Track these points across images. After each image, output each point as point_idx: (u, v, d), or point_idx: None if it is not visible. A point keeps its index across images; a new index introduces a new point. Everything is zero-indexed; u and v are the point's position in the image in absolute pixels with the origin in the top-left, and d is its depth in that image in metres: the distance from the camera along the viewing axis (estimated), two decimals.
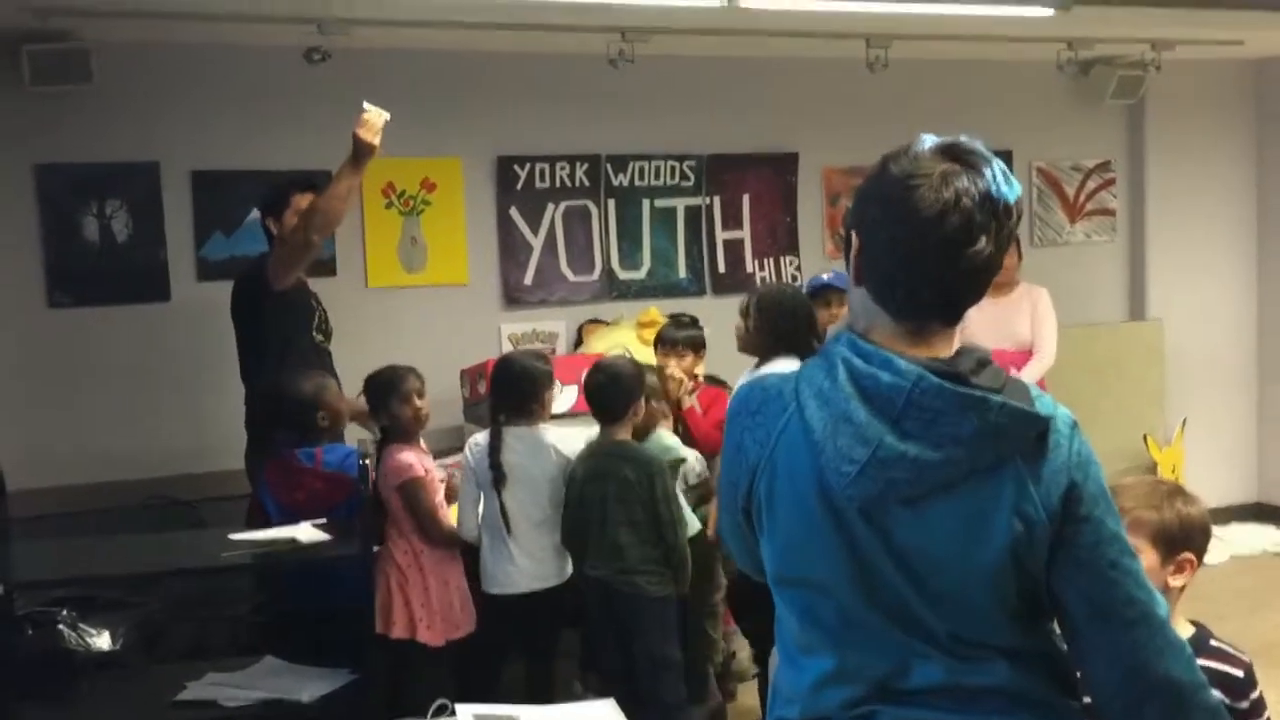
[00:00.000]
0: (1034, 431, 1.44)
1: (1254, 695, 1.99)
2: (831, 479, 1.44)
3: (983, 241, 1.45)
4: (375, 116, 3.95)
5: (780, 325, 3.76)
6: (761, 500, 1.52)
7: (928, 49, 5.53)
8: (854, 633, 1.47)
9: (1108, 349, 6.18)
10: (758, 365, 3.87)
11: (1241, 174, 6.67)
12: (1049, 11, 4.47)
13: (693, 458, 4.09)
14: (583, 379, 3.93)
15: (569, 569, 3.75)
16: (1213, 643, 2.04)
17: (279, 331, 4.15)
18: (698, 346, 4.42)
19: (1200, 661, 1.53)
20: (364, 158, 4.00)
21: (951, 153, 1.48)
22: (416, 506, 3.67)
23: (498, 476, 3.68)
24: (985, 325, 5.38)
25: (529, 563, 3.69)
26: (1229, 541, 6.28)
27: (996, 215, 1.46)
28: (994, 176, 1.47)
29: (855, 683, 1.47)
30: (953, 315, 1.50)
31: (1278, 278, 6.60)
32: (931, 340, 1.48)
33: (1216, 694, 1.51)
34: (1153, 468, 6.29)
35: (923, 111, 5.98)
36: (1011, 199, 1.47)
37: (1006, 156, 6.26)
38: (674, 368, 4.21)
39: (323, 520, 3.54)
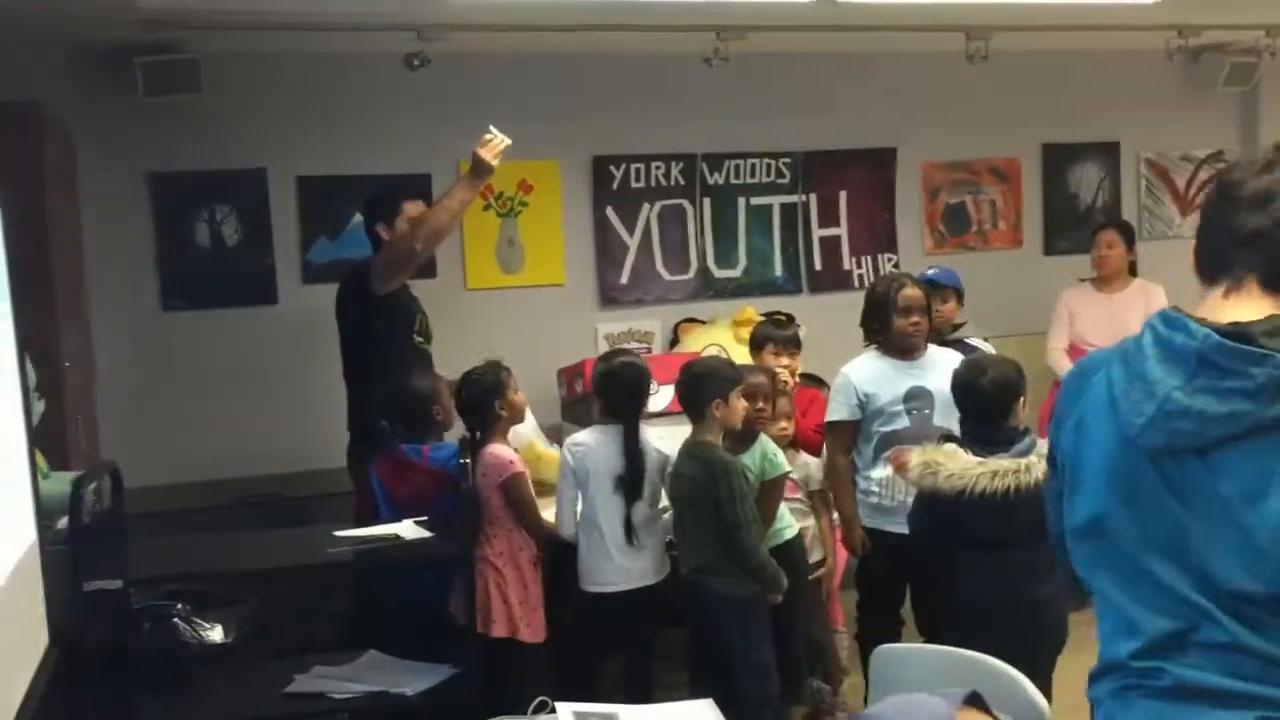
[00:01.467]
0: None
1: None
2: (1126, 431, 1.57)
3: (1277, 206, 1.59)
4: (498, 140, 4.08)
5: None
6: (1066, 455, 1.69)
7: (1029, 40, 5.41)
8: (1142, 585, 1.58)
9: None
10: (901, 355, 3.95)
11: None
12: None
13: (813, 465, 4.07)
14: None
15: (667, 567, 3.76)
16: None
17: (383, 333, 4.23)
18: (798, 345, 4.39)
19: None
20: (482, 177, 4.16)
21: (1276, 151, 1.67)
22: (521, 501, 3.71)
23: (632, 479, 3.68)
24: (1096, 321, 5.26)
25: (628, 561, 3.69)
26: None
27: None
28: None
29: (1142, 635, 1.58)
30: (1272, 277, 1.59)
31: None
32: (1242, 300, 1.59)
33: None
34: None
35: (1025, 104, 5.88)
36: None
37: (1113, 148, 6.15)
38: (780, 366, 4.19)
39: (424, 518, 3.61)
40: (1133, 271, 5.36)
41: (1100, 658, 1.67)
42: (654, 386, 5.04)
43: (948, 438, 3.44)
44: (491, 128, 4.09)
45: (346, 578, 3.78)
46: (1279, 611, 1.49)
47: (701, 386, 3.63)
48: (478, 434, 3.77)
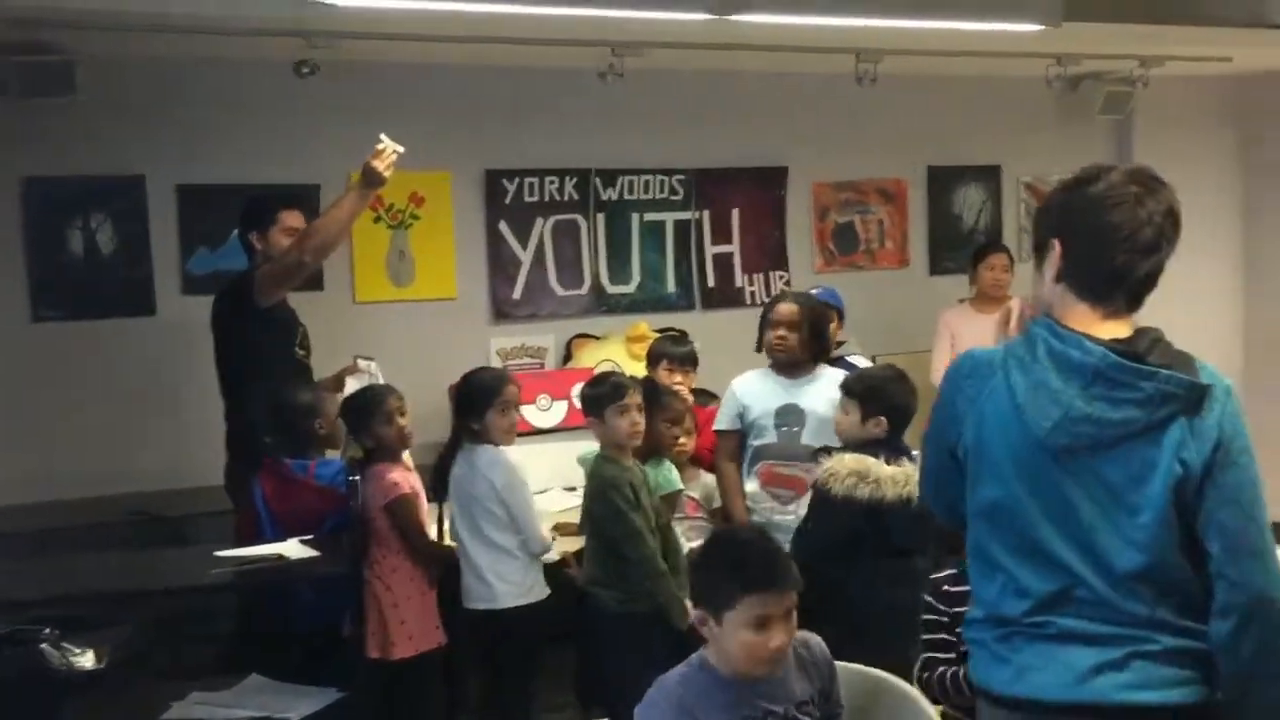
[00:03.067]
0: (1196, 396, 1.84)
1: None
2: (1033, 432, 1.86)
3: (1164, 248, 1.90)
4: (390, 149, 3.99)
5: (821, 335, 4.01)
6: (969, 447, 1.95)
7: (917, 64, 5.53)
8: (1035, 555, 1.88)
9: None
10: (785, 372, 3.96)
11: (1227, 191, 6.69)
12: (1038, 27, 4.46)
13: (713, 482, 4.09)
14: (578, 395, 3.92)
15: (545, 589, 3.69)
16: None
17: (264, 346, 4.13)
18: (695, 362, 4.40)
19: None
20: (373, 187, 4.07)
21: (1137, 179, 1.91)
22: (405, 524, 3.63)
23: (438, 492, 3.67)
24: (977, 341, 5.31)
25: (493, 579, 3.61)
26: None
27: (1175, 227, 1.91)
28: (1169, 197, 1.91)
29: (1032, 597, 1.89)
30: (1137, 302, 1.93)
31: (1263, 297, 6.61)
32: (1119, 321, 1.90)
33: None
34: None
35: (912, 127, 6.01)
36: (1177, 210, 1.92)
37: (994, 172, 6.31)
38: (675, 383, 4.19)
39: (310, 537, 3.51)
40: None
41: (983, 610, 1.97)
42: (544, 400, 5.02)
43: (825, 450, 3.52)
44: (383, 136, 4.01)
45: (228, 599, 3.66)
46: (1155, 581, 1.84)
47: (585, 404, 3.64)
48: (369, 451, 3.69)
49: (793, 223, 5.89)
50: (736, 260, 5.80)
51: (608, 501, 3.50)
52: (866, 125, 5.89)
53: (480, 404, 3.64)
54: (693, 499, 4.12)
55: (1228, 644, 1.83)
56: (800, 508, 3.77)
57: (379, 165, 3.98)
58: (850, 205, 6.02)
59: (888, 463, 3.32)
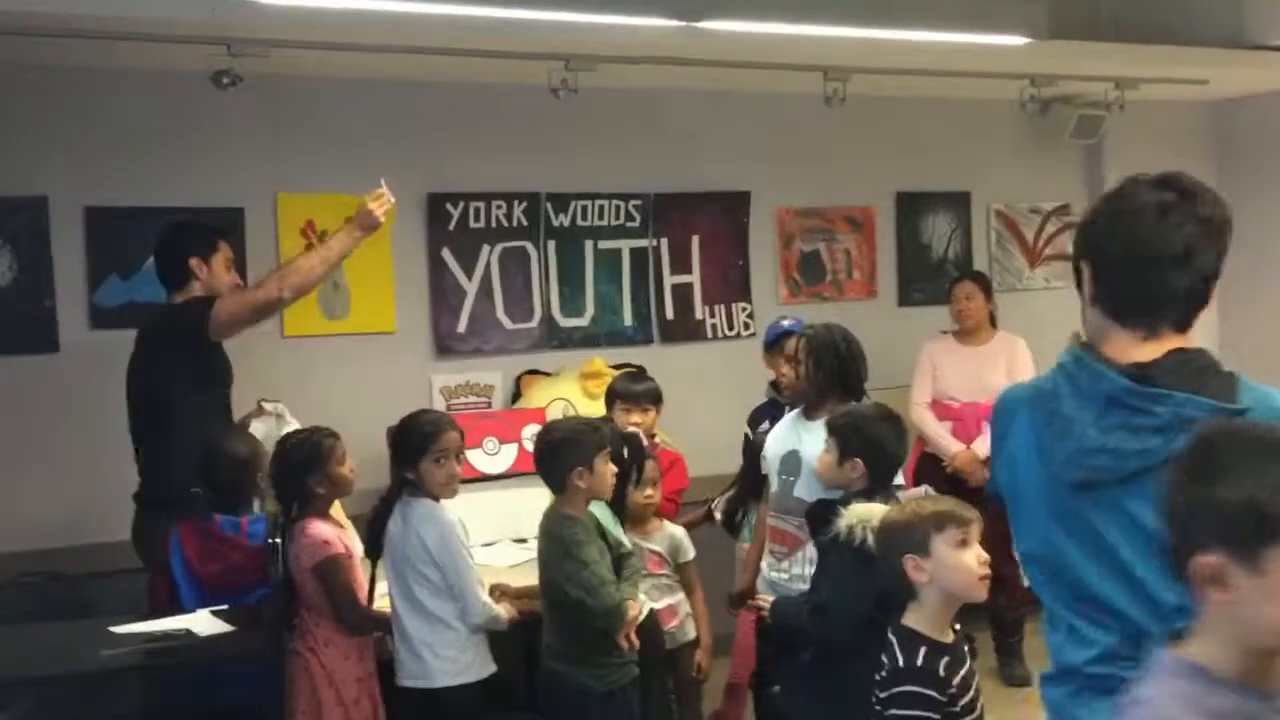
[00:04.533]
0: None
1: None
2: (1051, 468, 1.72)
3: (1202, 257, 1.70)
4: (388, 197, 3.87)
5: (834, 367, 3.51)
6: (1004, 486, 1.83)
7: (887, 84, 5.24)
8: (1087, 602, 1.71)
9: None
10: (806, 411, 3.54)
11: None
12: (1023, 40, 4.17)
13: (680, 535, 3.70)
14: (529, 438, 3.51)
15: (488, 664, 3.28)
16: None
17: (199, 389, 3.78)
18: (659, 400, 4.02)
19: None
20: (368, 232, 3.89)
21: (1172, 185, 1.71)
22: (335, 588, 3.20)
23: (373, 550, 3.28)
24: (959, 375, 5.07)
25: (427, 653, 3.20)
26: None
27: (1215, 233, 1.71)
28: (1212, 203, 1.72)
29: (1095, 646, 1.71)
30: (1185, 321, 1.74)
31: (1238, 325, 6.37)
32: (1161, 343, 1.71)
33: None
34: None
35: (880, 151, 5.72)
36: (1228, 214, 1.73)
37: (964, 198, 6.03)
38: (632, 424, 3.80)
39: (224, 607, 3.07)
40: (993, 323, 5.20)
41: (1054, 662, 1.80)
42: (491, 444, 4.60)
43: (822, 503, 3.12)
44: (383, 181, 3.88)
45: (131, 681, 3.19)
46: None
47: (562, 453, 3.21)
48: (294, 508, 3.25)
49: (756, 251, 5.55)
50: (697, 291, 5.43)
51: (570, 566, 3.09)
52: (833, 149, 5.59)
53: (414, 453, 3.24)
54: (655, 554, 3.73)
55: None
56: (794, 566, 3.40)
57: (376, 209, 3.81)
58: (816, 233, 5.69)
59: None
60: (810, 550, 3.38)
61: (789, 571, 3.46)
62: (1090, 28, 5.43)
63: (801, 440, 3.51)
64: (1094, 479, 1.66)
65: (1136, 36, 5.31)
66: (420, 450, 3.24)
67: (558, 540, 3.16)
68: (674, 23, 3.61)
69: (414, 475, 3.25)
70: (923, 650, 2.47)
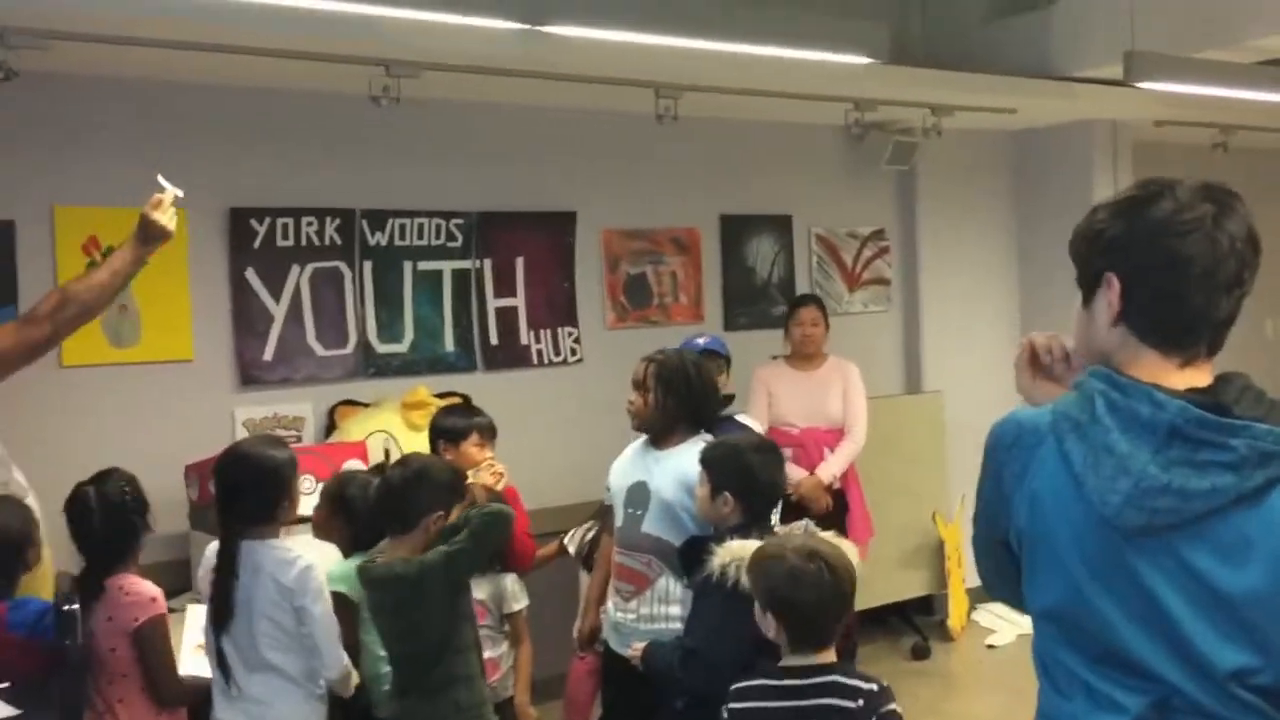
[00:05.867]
0: None
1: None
2: (1098, 510, 1.49)
3: (1247, 278, 1.55)
4: (169, 194, 3.35)
5: (684, 395, 3.28)
6: (1023, 531, 1.58)
7: (718, 104, 5.13)
8: (1121, 664, 1.51)
9: (890, 422, 5.88)
10: (654, 441, 3.30)
11: (1004, 244, 6.68)
12: (866, 60, 4.12)
13: (509, 580, 3.42)
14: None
15: None
16: None
17: None
18: (494, 433, 3.74)
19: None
20: (154, 244, 3.39)
21: (1212, 195, 1.55)
22: (155, 653, 2.79)
23: (220, 608, 2.87)
24: (796, 400, 5.00)
25: (226, 714, 2.88)
26: (1015, 621, 6.12)
27: (1257, 252, 1.55)
28: (1247, 215, 1.55)
29: (1127, 713, 1.51)
30: (1218, 345, 1.58)
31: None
32: (1198, 369, 1.56)
33: None
34: (940, 547, 6.07)
35: (707, 172, 5.63)
36: (1256, 230, 1.56)
37: (786, 221, 5.99)
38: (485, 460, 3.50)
39: (5, 684, 2.60)
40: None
41: None
42: (308, 483, 4.20)
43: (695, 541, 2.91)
44: (161, 179, 3.36)
45: None
46: (1268, 685, 1.45)
47: (422, 493, 2.89)
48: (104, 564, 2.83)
49: (582, 274, 5.33)
50: (522, 315, 5.16)
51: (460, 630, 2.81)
52: (660, 169, 5.45)
53: (279, 489, 2.94)
54: (479, 604, 3.41)
55: None
56: (643, 606, 3.18)
57: (159, 216, 3.31)
58: (643, 255, 5.52)
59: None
60: (662, 587, 3.19)
61: (636, 611, 3.24)
62: (908, 55, 5.51)
63: (650, 472, 3.31)
64: (1154, 524, 1.46)
65: (950, 64, 5.41)
66: (285, 488, 2.96)
67: (408, 581, 2.83)
68: (516, 25, 3.35)
69: (266, 515, 2.93)
70: None
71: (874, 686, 2.31)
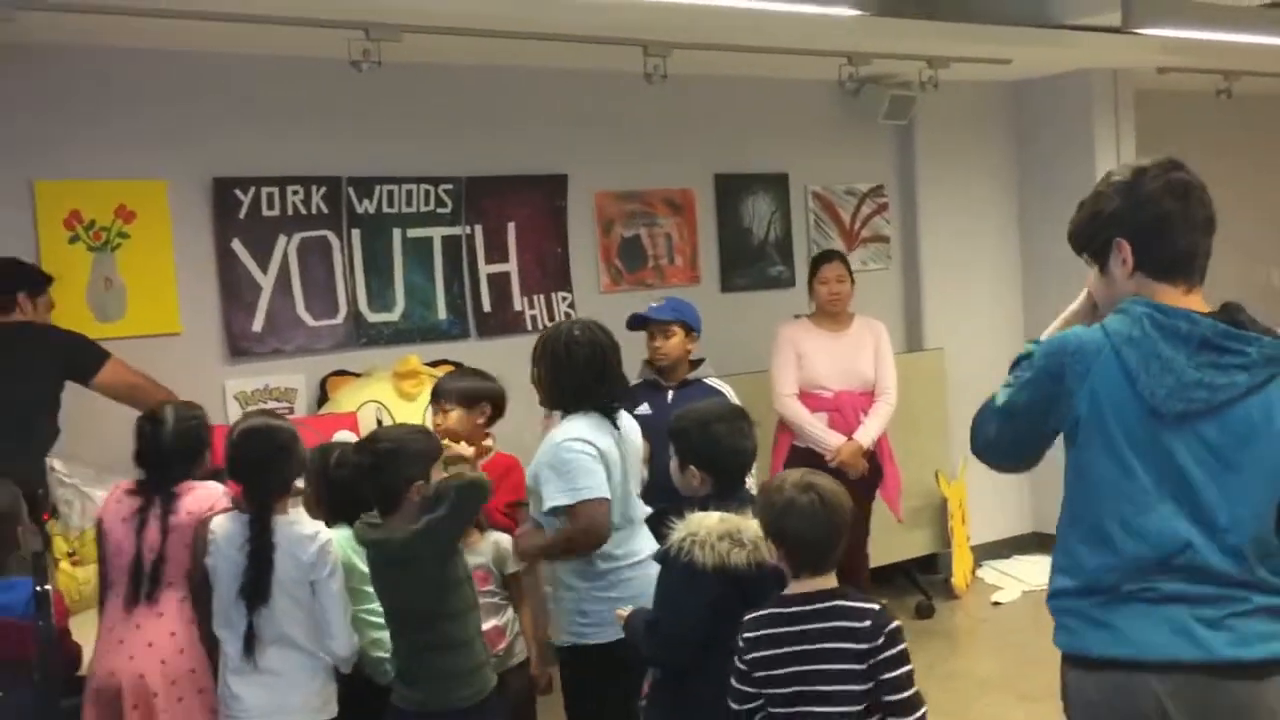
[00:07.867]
0: None
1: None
2: (1148, 400, 1.97)
3: (1214, 219, 2.10)
4: None
5: (552, 370, 3.14)
6: (1082, 417, 2.03)
7: (707, 61, 5.04)
8: (1151, 524, 1.98)
9: None
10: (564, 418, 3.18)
11: (1005, 198, 6.57)
12: (853, 12, 4.03)
13: (505, 543, 3.37)
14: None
15: (329, 708, 2.97)
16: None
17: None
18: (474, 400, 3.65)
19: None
20: None
21: (1174, 166, 2.09)
22: None
23: (259, 587, 2.87)
24: (829, 362, 4.86)
25: (246, 689, 2.92)
26: (1020, 578, 6.08)
27: (1211, 206, 2.11)
28: (1197, 176, 2.10)
29: (1139, 563, 1.98)
30: (1204, 274, 2.09)
31: (1040, 306, 6.49)
32: (1196, 295, 2.07)
33: None
34: (943, 505, 6.02)
35: (700, 132, 5.55)
36: None
37: (782, 179, 5.90)
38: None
39: None
40: None
41: (1081, 579, 2.03)
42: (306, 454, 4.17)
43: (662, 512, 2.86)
44: None
45: None
46: (1256, 538, 1.97)
47: (398, 465, 2.85)
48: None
49: (575, 237, 5.26)
50: (514, 280, 5.10)
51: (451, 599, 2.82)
52: (653, 130, 5.37)
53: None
54: (480, 568, 3.37)
55: None
56: None
57: None
58: (637, 217, 5.45)
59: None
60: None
61: None
62: (903, 5, 5.38)
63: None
64: (1189, 411, 1.95)
65: (946, 15, 5.28)
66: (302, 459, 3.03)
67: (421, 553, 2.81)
68: None
69: (286, 489, 2.97)
70: None
71: (877, 606, 2.39)
